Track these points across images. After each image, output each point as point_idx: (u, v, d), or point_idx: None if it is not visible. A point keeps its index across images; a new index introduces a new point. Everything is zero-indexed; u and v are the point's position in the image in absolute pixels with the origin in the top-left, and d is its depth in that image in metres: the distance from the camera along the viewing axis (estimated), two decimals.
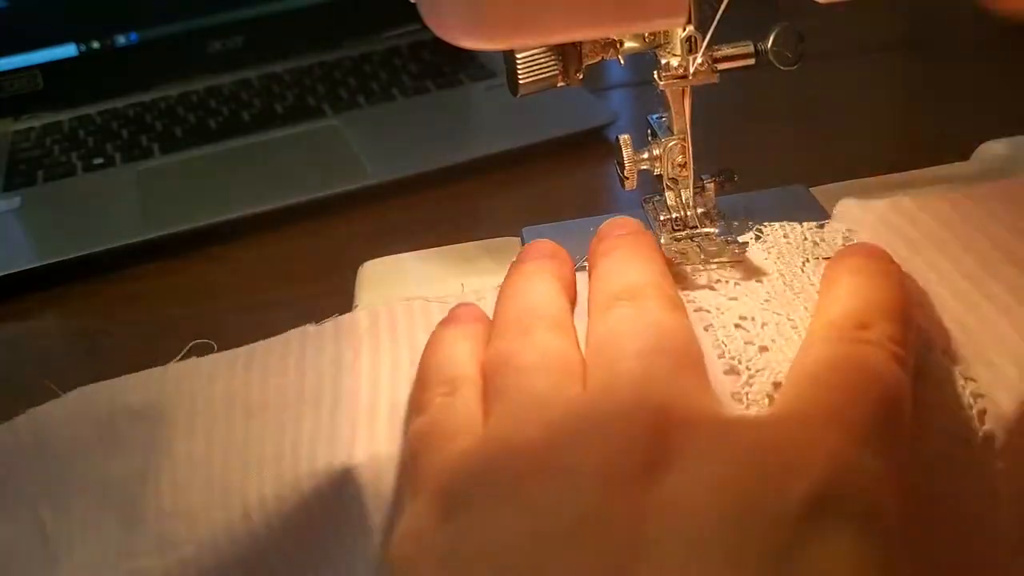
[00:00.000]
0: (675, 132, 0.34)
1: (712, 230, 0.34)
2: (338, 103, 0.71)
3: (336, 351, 0.33)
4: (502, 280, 0.33)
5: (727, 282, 0.32)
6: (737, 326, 0.30)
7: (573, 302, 0.32)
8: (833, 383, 0.25)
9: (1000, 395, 0.28)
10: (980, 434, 0.28)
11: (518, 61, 0.33)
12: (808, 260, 0.33)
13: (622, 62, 0.34)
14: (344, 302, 0.38)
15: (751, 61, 0.33)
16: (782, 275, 0.32)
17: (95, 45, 0.76)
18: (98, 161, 0.68)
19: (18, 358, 0.52)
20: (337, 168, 0.63)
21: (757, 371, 0.28)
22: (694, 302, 0.31)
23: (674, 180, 0.35)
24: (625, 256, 0.31)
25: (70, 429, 0.34)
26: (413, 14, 0.30)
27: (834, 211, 0.36)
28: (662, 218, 0.35)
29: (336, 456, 0.30)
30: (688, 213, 0.35)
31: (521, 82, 0.33)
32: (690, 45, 0.32)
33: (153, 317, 0.53)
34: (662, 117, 0.35)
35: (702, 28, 0.32)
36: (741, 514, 0.21)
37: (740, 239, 0.34)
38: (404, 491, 0.29)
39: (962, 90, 0.66)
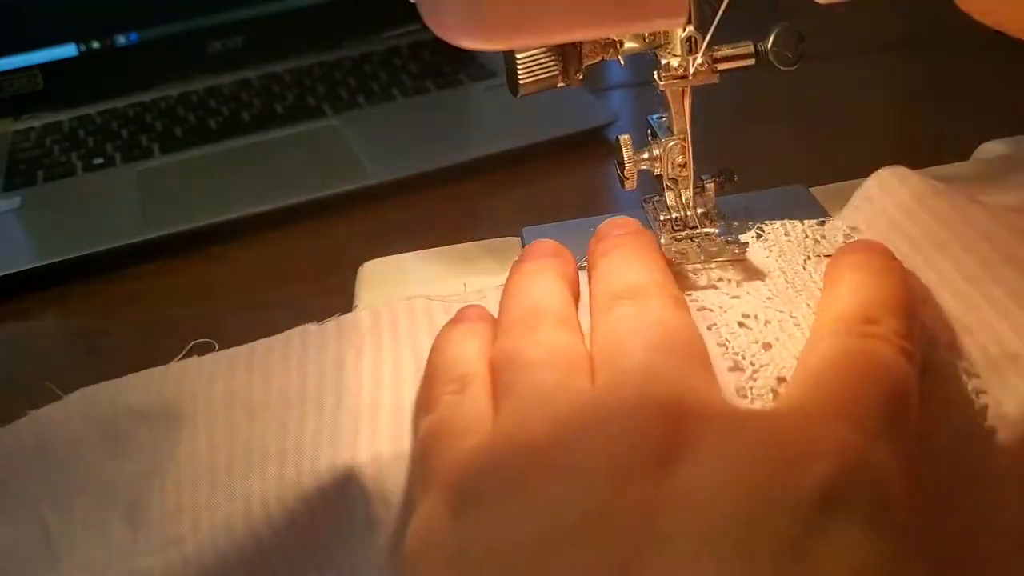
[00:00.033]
0: (675, 132, 0.34)
1: (712, 230, 0.34)
2: (338, 103, 0.71)
3: (338, 350, 0.33)
4: (504, 279, 0.33)
5: (729, 281, 0.33)
6: (740, 324, 0.30)
7: (577, 300, 0.32)
8: (842, 377, 0.26)
9: (1002, 394, 0.28)
10: (983, 430, 0.28)
11: (518, 61, 0.33)
12: (809, 258, 0.33)
13: (622, 62, 0.34)
14: (344, 302, 0.38)
15: (751, 61, 0.33)
16: (784, 273, 0.33)
17: (95, 45, 0.76)
18: (98, 161, 0.68)
19: (18, 358, 0.52)
20: (337, 168, 0.63)
21: (761, 367, 0.29)
22: (697, 301, 0.31)
23: (674, 180, 0.35)
24: (625, 255, 0.31)
25: (72, 430, 0.34)
26: (413, 14, 0.30)
27: (852, 201, 0.36)
28: (662, 218, 0.35)
29: (339, 456, 0.30)
30: (688, 213, 0.35)
31: (521, 82, 0.33)
32: (690, 45, 0.32)
33: (153, 317, 0.53)
34: (662, 117, 0.35)
35: (702, 28, 0.32)
36: (752, 508, 0.22)
37: (740, 238, 0.34)
38: (415, 488, 0.29)
39: (962, 90, 0.66)
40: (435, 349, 0.31)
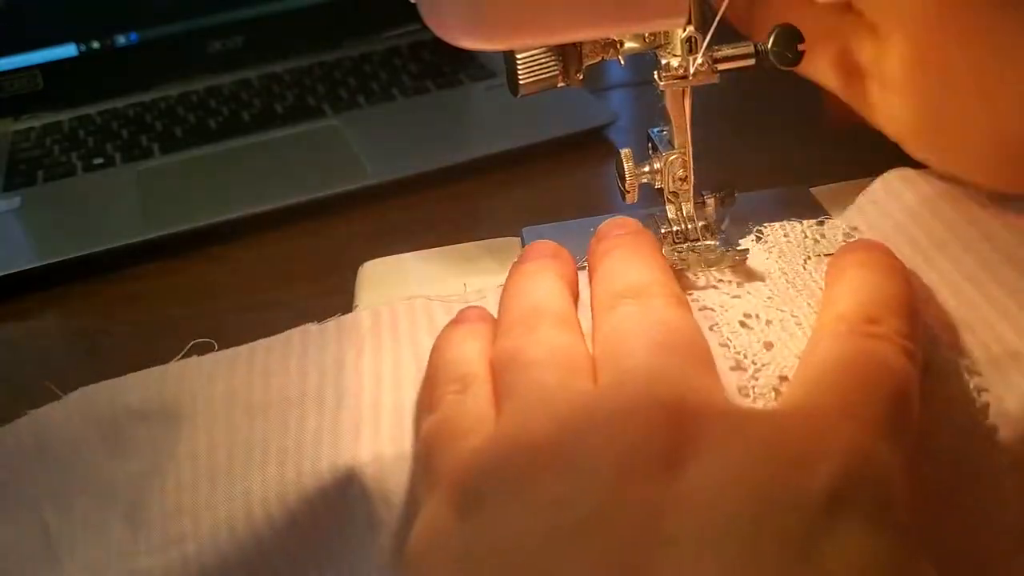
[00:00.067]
0: (676, 146, 0.34)
1: (713, 243, 0.34)
2: (338, 103, 0.71)
3: (338, 350, 0.33)
4: (504, 279, 0.33)
5: (730, 281, 0.33)
6: (742, 323, 0.30)
7: (576, 300, 0.32)
8: (844, 377, 0.26)
9: (1003, 391, 0.28)
10: (985, 428, 0.28)
11: (518, 61, 0.33)
12: (810, 258, 0.33)
13: (622, 62, 0.34)
14: (344, 302, 0.38)
15: (751, 61, 0.33)
16: (784, 273, 0.33)
17: (95, 45, 0.76)
18: (98, 161, 0.68)
19: (18, 358, 0.52)
20: (337, 168, 0.63)
21: (763, 365, 0.29)
22: (698, 301, 0.31)
23: (675, 194, 0.35)
24: (627, 255, 0.31)
25: (71, 430, 0.34)
26: (413, 14, 0.30)
27: (857, 202, 0.36)
28: (663, 231, 0.35)
29: (340, 456, 0.30)
30: (689, 226, 0.35)
31: (521, 82, 0.33)
32: (690, 45, 0.32)
33: (153, 317, 0.53)
34: (663, 130, 0.35)
35: (702, 28, 0.32)
36: (757, 508, 0.22)
37: (741, 244, 0.34)
38: (418, 489, 0.29)
39: None
40: (436, 350, 0.31)
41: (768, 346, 0.29)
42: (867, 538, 0.21)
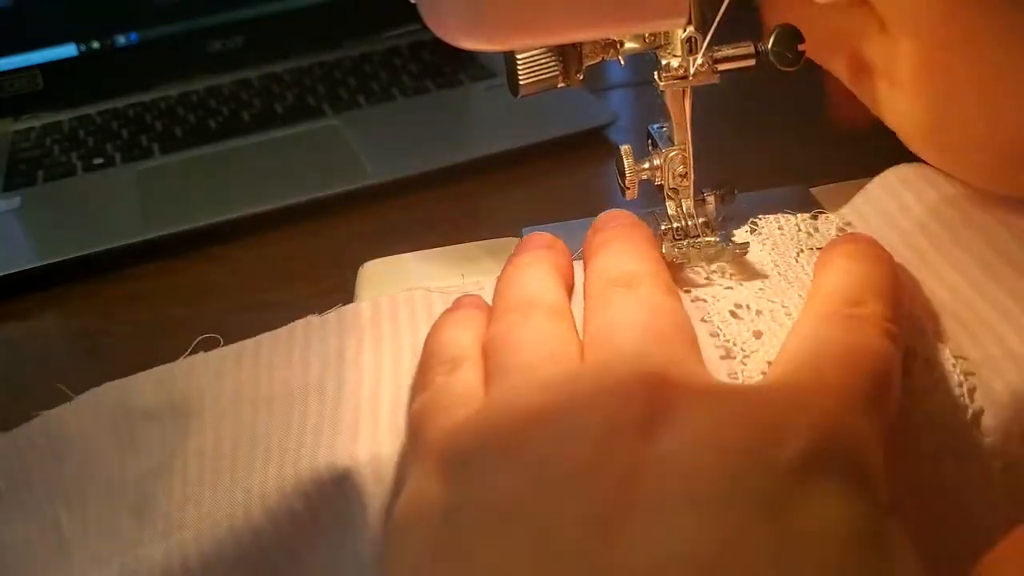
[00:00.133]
0: (676, 143, 0.34)
1: (713, 239, 0.34)
2: (338, 103, 0.71)
3: (339, 342, 0.33)
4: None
5: (723, 273, 0.33)
6: (732, 313, 0.31)
7: (571, 292, 0.32)
8: (825, 353, 0.26)
9: (989, 375, 0.28)
10: (969, 412, 0.28)
11: (518, 62, 0.33)
12: (802, 250, 0.33)
13: (622, 63, 0.34)
14: (344, 302, 0.38)
15: (751, 62, 0.33)
16: (776, 265, 0.33)
17: (95, 45, 0.76)
18: (98, 161, 0.68)
19: (18, 358, 0.52)
20: (337, 168, 0.63)
21: (752, 353, 0.29)
22: (690, 292, 0.32)
23: (675, 190, 0.35)
24: (622, 247, 0.32)
25: (83, 431, 0.34)
26: (413, 14, 0.30)
27: (854, 200, 0.36)
28: (663, 228, 0.35)
29: (338, 452, 0.30)
30: (689, 223, 0.35)
31: (522, 83, 0.33)
32: (690, 46, 0.32)
33: (153, 317, 0.53)
34: (663, 127, 0.35)
35: (702, 29, 0.32)
36: (733, 470, 0.22)
37: (739, 239, 0.34)
38: (406, 466, 0.29)
39: None
40: (430, 336, 0.31)
41: (757, 335, 0.30)
42: (839, 502, 0.22)
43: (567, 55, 0.33)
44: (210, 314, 0.52)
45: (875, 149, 0.35)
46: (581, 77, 0.34)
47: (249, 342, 0.34)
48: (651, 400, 0.24)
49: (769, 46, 0.32)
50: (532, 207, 0.59)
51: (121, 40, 0.77)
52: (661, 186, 0.35)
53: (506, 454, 0.24)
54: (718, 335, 0.30)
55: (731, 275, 0.33)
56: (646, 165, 0.35)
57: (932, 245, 0.32)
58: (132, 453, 0.33)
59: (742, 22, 0.35)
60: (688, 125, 0.34)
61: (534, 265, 0.32)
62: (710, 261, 0.33)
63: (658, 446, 0.23)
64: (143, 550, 0.30)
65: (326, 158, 0.65)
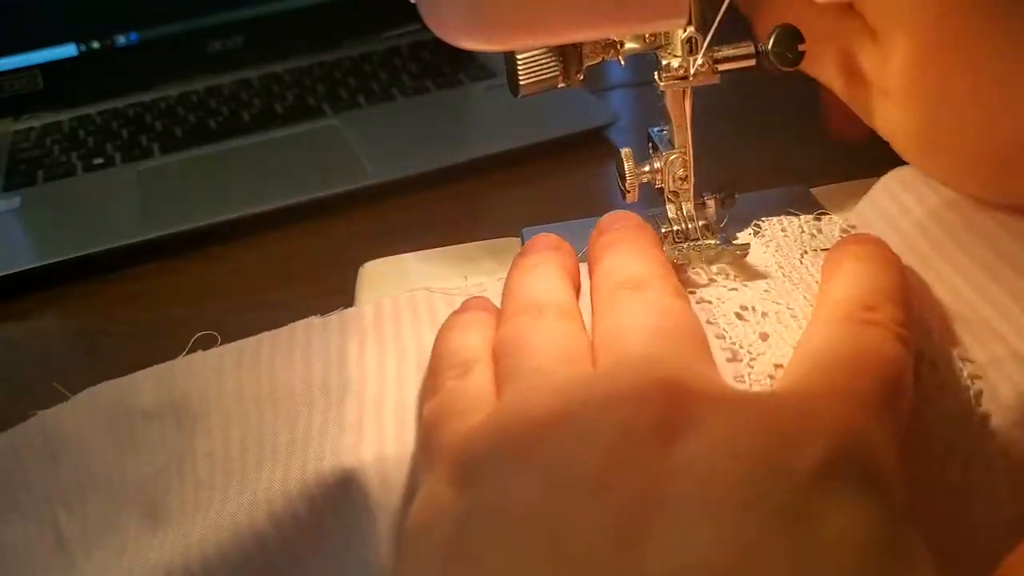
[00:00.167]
0: (676, 146, 0.34)
1: (713, 241, 0.34)
2: (338, 103, 0.71)
3: (341, 342, 0.33)
4: (505, 275, 0.33)
5: (727, 275, 0.33)
6: (738, 315, 0.31)
7: (578, 293, 0.32)
8: (839, 360, 0.26)
9: (997, 378, 0.28)
10: (977, 416, 0.28)
11: (519, 62, 0.33)
12: (806, 252, 0.33)
13: (622, 63, 0.34)
14: (344, 302, 0.38)
15: (752, 62, 0.33)
16: (781, 267, 0.33)
17: (95, 45, 0.76)
18: (98, 161, 0.68)
19: (18, 358, 0.52)
20: (337, 168, 0.63)
21: (758, 355, 0.29)
22: (696, 294, 0.32)
23: (675, 193, 0.35)
24: (627, 250, 0.32)
25: (81, 430, 0.34)
26: (413, 14, 0.30)
27: (858, 207, 0.36)
28: (663, 231, 0.35)
29: (343, 455, 0.30)
30: (689, 226, 0.35)
31: (522, 83, 0.33)
32: (691, 46, 0.32)
33: (153, 317, 0.53)
34: (663, 130, 0.35)
35: (702, 29, 0.32)
36: (752, 478, 0.22)
37: (741, 239, 0.34)
38: (419, 472, 0.29)
39: None
40: (439, 339, 0.31)
41: (764, 337, 0.30)
42: (857, 509, 0.22)
43: (567, 55, 0.33)
44: (210, 314, 0.52)
45: (875, 149, 0.35)
46: (581, 77, 0.34)
47: (249, 341, 0.34)
48: (666, 405, 0.24)
49: (769, 46, 0.32)
50: (532, 207, 0.59)
51: (121, 40, 0.77)
52: (661, 189, 0.35)
53: (519, 458, 0.24)
54: (724, 337, 0.30)
55: (735, 277, 0.33)
56: (646, 168, 0.35)
57: (933, 248, 0.32)
58: (132, 453, 0.33)
59: (742, 22, 0.35)
60: (688, 126, 0.34)
61: (541, 266, 0.32)
62: (711, 262, 0.33)
63: (674, 452, 0.23)
64: (151, 556, 0.30)
65: (326, 158, 0.65)
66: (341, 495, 0.30)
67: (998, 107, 0.30)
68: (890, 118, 0.33)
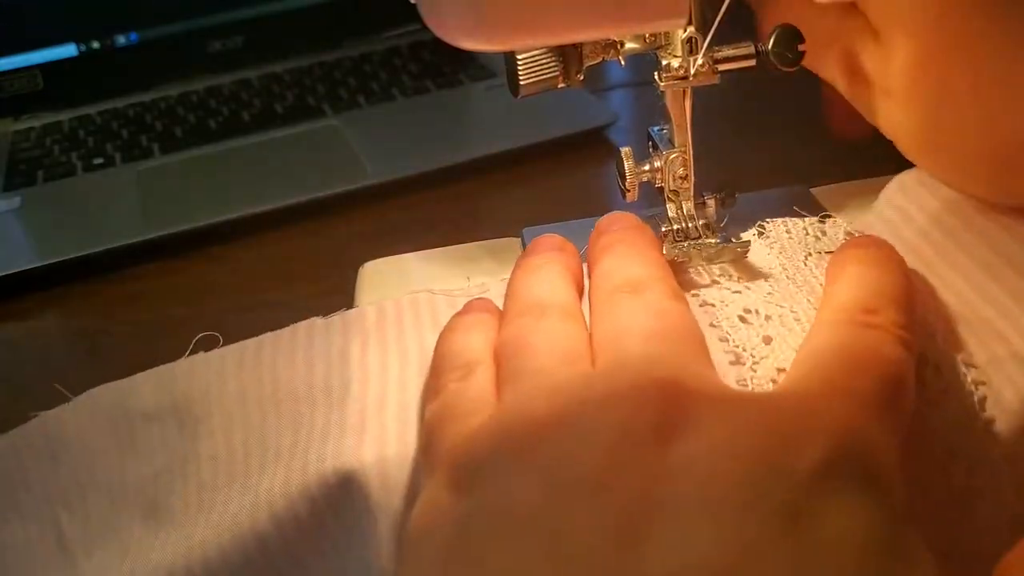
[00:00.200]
0: (676, 145, 0.34)
1: (713, 240, 0.34)
2: (338, 103, 0.71)
3: (344, 343, 0.33)
4: (505, 278, 0.33)
5: (731, 276, 0.33)
6: (741, 318, 0.31)
7: (581, 294, 0.32)
8: (840, 362, 0.26)
9: (1000, 382, 0.28)
10: (981, 420, 0.28)
11: (519, 62, 0.33)
12: (810, 254, 0.33)
13: (623, 63, 0.34)
14: (344, 302, 0.38)
15: (752, 62, 0.33)
16: (784, 269, 0.33)
17: (95, 45, 0.76)
18: (98, 161, 0.68)
19: (18, 358, 0.52)
20: (337, 168, 0.63)
21: (761, 359, 0.29)
22: (699, 296, 0.32)
23: (675, 192, 0.35)
24: (626, 251, 0.32)
25: (82, 432, 0.34)
26: (413, 14, 0.30)
27: (863, 218, 0.36)
28: (663, 230, 0.35)
29: (344, 457, 0.30)
30: (689, 225, 0.35)
31: (522, 83, 0.33)
32: (691, 46, 0.32)
33: (153, 317, 0.53)
34: (663, 129, 0.35)
35: (703, 29, 0.32)
36: (751, 478, 0.22)
37: (742, 237, 0.34)
38: (421, 474, 0.29)
39: None
40: (441, 340, 0.31)
41: (767, 340, 0.30)
42: (857, 509, 0.22)
43: (567, 55, 0.33)
44: (210, 314, 0.52)
45: (875, 149, 0.35)
46: (581, 77, 0.34)
47: (250, 342, 0.34)
48: (665, 406, 0.24)
49: (769, 46, 0.32)
50: (532, 207, 0.59)
51: (121, 40, 0.77)
52: (661, 188, 0.35)
53: (519, 459, 0.24)
54: (727, 340, 0.30)
55: (739, 278, 0.33)
56: (646, 167, 0.35)
57: (937, 253, 0.32)
58: (133, 454, 0.33)
59: (742, 22, 0.35)
60: (688, 126, 0.34)
61: (545, 267, 0.32)
62: (711, 260, 0.33)
63: (673, 453, 0.23)
64: (153, 557, 0.30)
65: (326, 158, 0.65)
66: (342, 496, 0.30)
67: (998, 107, 0.30)
68: (892, 118, 0.33)
